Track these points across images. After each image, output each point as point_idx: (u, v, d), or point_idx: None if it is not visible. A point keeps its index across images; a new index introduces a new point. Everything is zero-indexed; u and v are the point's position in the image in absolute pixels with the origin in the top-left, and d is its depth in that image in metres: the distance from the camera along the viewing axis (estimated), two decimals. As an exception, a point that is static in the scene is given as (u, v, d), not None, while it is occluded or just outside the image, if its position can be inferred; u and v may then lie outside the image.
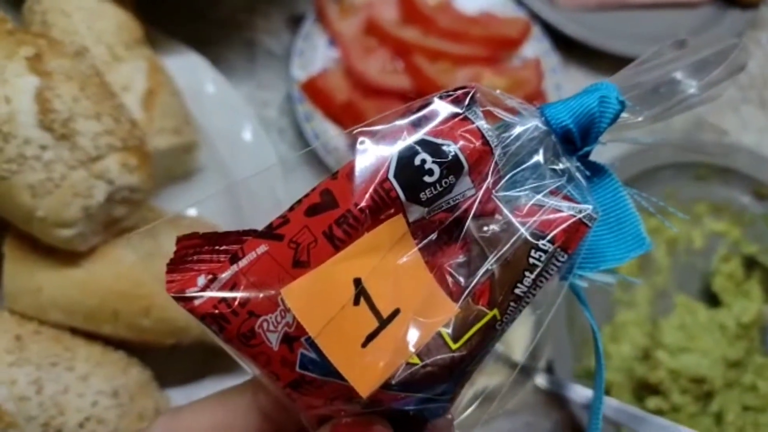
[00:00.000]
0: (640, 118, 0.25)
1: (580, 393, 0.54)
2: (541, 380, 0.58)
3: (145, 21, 0.58)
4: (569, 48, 0.76)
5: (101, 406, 0.45)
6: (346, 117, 0.65)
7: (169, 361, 0.52)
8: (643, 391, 0.60)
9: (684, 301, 0.64)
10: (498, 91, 0.25)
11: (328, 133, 0.65)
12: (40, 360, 0.45)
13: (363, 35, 0.69)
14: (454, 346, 0.24)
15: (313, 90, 0.66)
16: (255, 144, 0.62)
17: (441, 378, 0.24)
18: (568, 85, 0.72)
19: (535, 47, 0.74)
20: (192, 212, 0.57)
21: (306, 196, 0.24)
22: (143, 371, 0.49)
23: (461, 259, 0.25)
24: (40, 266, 0.47)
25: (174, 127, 0.55)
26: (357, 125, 0.24)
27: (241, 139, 0.62)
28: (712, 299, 0.65)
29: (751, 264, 0.66)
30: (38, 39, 0.46)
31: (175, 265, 0.24)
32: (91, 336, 0.48)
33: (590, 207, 0.24)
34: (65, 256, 0.47)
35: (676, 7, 0.82)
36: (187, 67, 0.61)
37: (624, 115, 0.25)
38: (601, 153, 0.26)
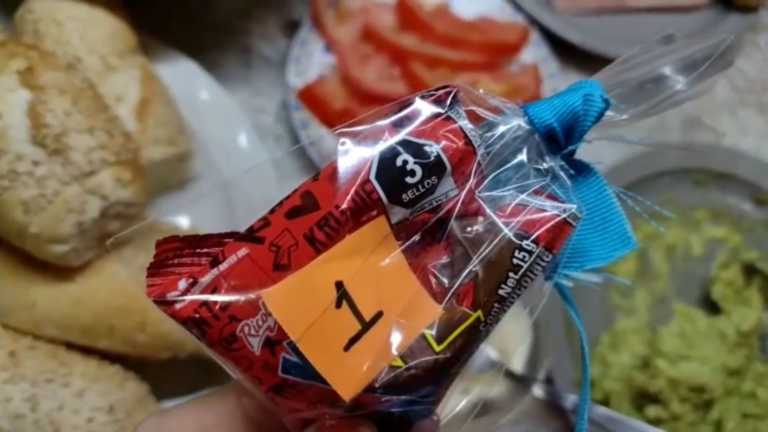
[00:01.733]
0: (625, 116, 0.25)
1: (575, 402, 0.54)
2: (539, 391, 0.58)
3: (139, 27, 0.57)
4: (568, 53, 0.75)
5: (97, 422, 0.45)
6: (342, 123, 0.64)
7: (166, 375, 0.52)
8: (643, 399, 0.60)
9: (683, 308, 0.64)
10: (481, 90, 0.25)
11: (325, 141, 0.64)
12: (35, 376, 0.44)
13: (360, 41, 0.69)
14: (438, 348, 0.24)
15: (310, 97, 0.65)
16: (250, 152, 0.61)
17: (425, 380, 0.24)
18: (566, 90, 0.71)
19: (534, 52, 0.73)
20: (185, 223, 0.57)
21: (287, 198, 0.24)
22: (140, 385, 0.49)
23: (445, 260, 0.25)
24: (34, 281, 0.46)
25: (168, 137, 0.54)
26: (338, 126, 0.23)
27: (236, 146, 0.61)
28: (712, 306, 0.65)
29: (750, 271, 0.66)
30: (30, 51, 0.46)
31: (156, 268, 0.24)
32: (86, 350, 0.48)
33: (574, 206, 0.24)
34: (59, 271, 0.46)
35: (675, 11, 0.82)
36: (182, 74, 0.61)
37: (609, 113, 0.25)
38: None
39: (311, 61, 0.68)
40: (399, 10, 0.71)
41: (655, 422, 0.59)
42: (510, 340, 0.55)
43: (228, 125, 0.61)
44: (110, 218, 0.46)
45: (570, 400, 0.55)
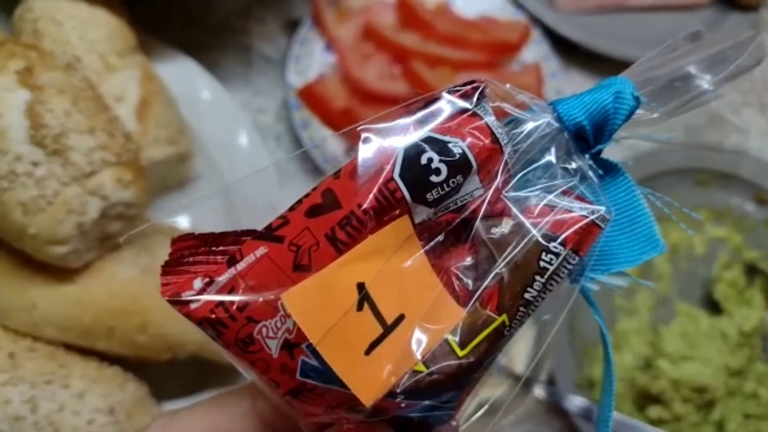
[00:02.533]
0: (655, 115, 0.24)
1: (577, 404, 0.54)
2: (540, 391, 0.58)
3: (139, 27, 0.56)
4: (569, 52, 0.75)
5: (97, 423, 0.45)
6: (344, 124, 0.64)
7: (166, 376, 0.51)
8: (645, 400, 0.60)
9: (685, 308, 0.64)
10: (508, 86, 0.24)
11: (326, 141, 0.64)
12: (34, 378, 0.44)
13: (360, 40, 0.68)
14: (461, 353, 0.23)
15: (310, 96, 0.65)
16: (251, 151, 0.61)
17: (447, 386, 0.23)
18: (568, 89, 0.71)
19: (535, 51, 0.73)
20: (185, 224, 0.57)
21: (306, 196, 0.23)
22: (140, 387, 0.48)
23: (469, 261, 0.24)
24: (34, 283, 0.46)
25: (168, 136, 0.54)
26: (359, 123, 0.23)
27: (236, 146, 0.61)
28: (714, 306, 0.64)
29: (752, 271, 0.66)
30: (29, 51, 0.45)
31: (171, 267, 0.24)
32: (86, 351, 0.47)
33: (603, 208, 0.23)
34: (59, 272, 0.46)
35: (677, 9, 0.82)
36: (182, 74, 0.60)
37: (639, 111, 0.24)
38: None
39: (311, 60, 0.68)
40: (400, 9, 0.70)
41: (657, 423, 0.58)
42: (512, 341, 0.55)
43: (228, 125, 0.61)
44: (111, 219, 0.45)
45: (573, 402, 0.55)
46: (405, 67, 0.67)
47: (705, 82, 0.24)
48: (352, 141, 0.22)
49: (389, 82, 0.66)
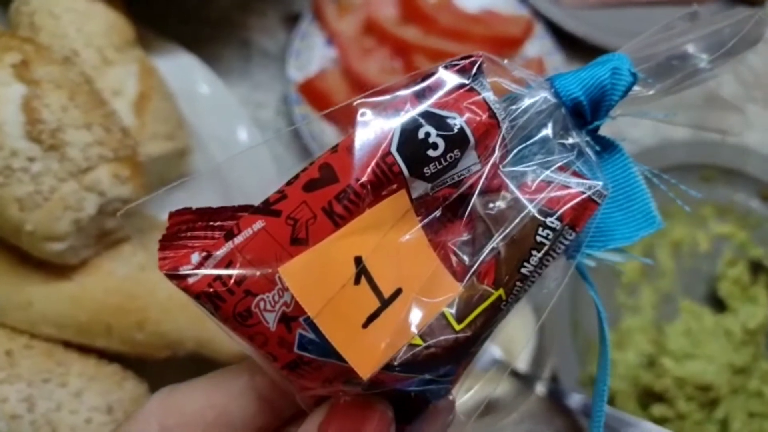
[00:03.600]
0: (651, 92, 0.24)
1: (580, 401, 0.53)
2: (543, 389, 0.57)
3: (137, 21, 0.56)
4: (572, 46, 0.74)
5: (96, 422, 0.44)
6: (345, 119, 0.63)
7: (166, 373, 0.51)
8: (648, 398, 0.59)
9: (689, 306, 0.63)
10: (505, 61, 0.24)
11: (326, 134, 0.63)
12: (31, 376, 0.43)
13: (361, 34, 0.68)
14: (457, 327, 0.23)
15: (311, 91, 0.64)
16: (250, 145, 0.60)
17: (444, 359, 0.23)
18: (571, 84, 0.70)
19: (538, 46, 0.72)
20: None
21: (304, 170, 0.23)
22: (139, 384, 0.48)
23: (465, 237, 0.24)
24: (31, 280, 0.46)
25: (167, 132, 0.53)
26: (355, 98, 0.23)
27: (236, 141, 0.60)
28: (718, 304, 0.64)
29: (757, 268, 0.65)
30: (25, 44, 0.45)
31: (168, 241, 0.23)
32: (84, 349, 0.47)
33: (600, 183, 0.24)
34: (56, 269, 0.45)
35: (682, 3, 0.81)
36: (180, 68, 0.60)
37: (635, 88, 0.24)
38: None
39: (312, 55, 0.67)
40: (401, 3, 0.70)
41: (661, 421, 0.58)
42: (515, 339, 0.55)
43: (228, 120, 0.60)
44: (108, 215, 0.45)
45: (575, 399, 0.54)
46: (407, 61, 0.67)
47: (702, 60, 0.24)
48: (344, 123, 0.22)
49: (391, 77, 0.65)
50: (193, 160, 0.58)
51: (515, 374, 0.56)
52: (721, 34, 0.24)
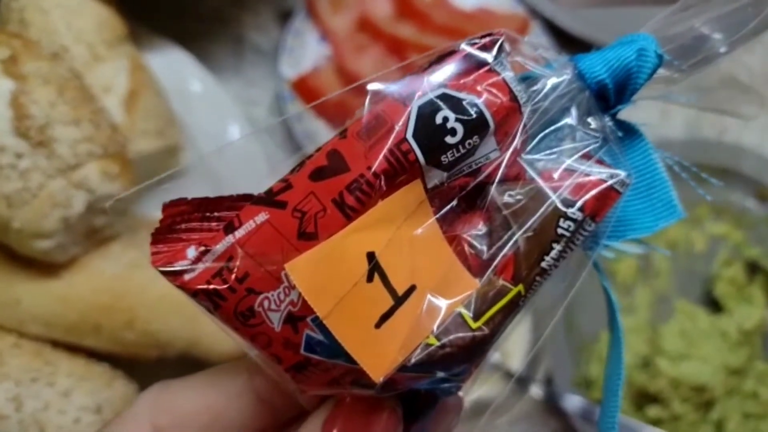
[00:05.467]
0: (675, 74, 0.23)
1: (575, 403, 0.53)
2: (537, 391, 0.57)
3: (128, 16, 0.55)
4: (570, 45, 0.73)
5: (84, 422, 0.44)
6: (338, 116, 0.63)
7: (156, 374, 0.50)
8: (643, 399, 0.59)
9: (684, 306, 0.63)
10: (526, 38, 0.23)
11: (320, 133, 0.63)
12: (19, 375, 0.43)
13: (355, 31, 0.67)
14: (474, 325, 0.22)
15: (304, 88, 0.64)
16: (243, 144, 0.59)
17: (459, 358, 0.22)
18: (566, 83, 0.70)
19: (533, 44, 0.72)
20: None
21: (309, 157, 0.21)
22: (128, 384, 0.47)
23: (482, 229, 0.23)
24: (18, 278, 0.45)
25: (157, 129, 0.52)
26: (366, 79, 0.21)
27: (228, 139, 0.60)
28: (714, 305, 0.64)
29: (753, 268, 0.65)
30: (13, 40, 0.44)
31: (162, 234, 0.22)
32: (73, 349, 0.46)
33: (623, 172, 0.22)
34: (44, 267, 0.45)
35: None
36: (172, 65, 0.59)
37: (660, 70, 0.23)
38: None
39: (305, 52, 0.66)
40: (396, 0, 0.69)
41: (656, 422, 0.58)
42: (509, 339, 0.54)
43: (219, 117, 0.60)
44: (97, 213, 0.44)
45: (569, 400, 0.54)
46: (401, 59, 0.66)
47: (721, 40, 0.23)
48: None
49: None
50: (184, 158, 0.57)
51: (509, 375, 0.55)
52: (743, 13, 0.23)
